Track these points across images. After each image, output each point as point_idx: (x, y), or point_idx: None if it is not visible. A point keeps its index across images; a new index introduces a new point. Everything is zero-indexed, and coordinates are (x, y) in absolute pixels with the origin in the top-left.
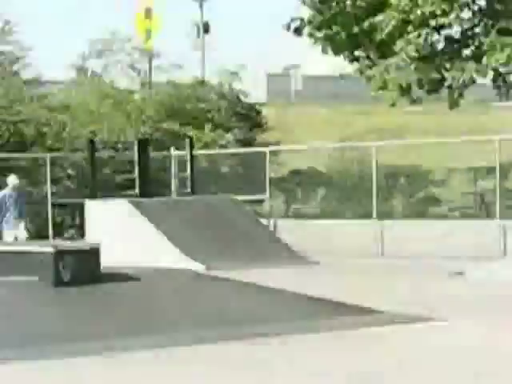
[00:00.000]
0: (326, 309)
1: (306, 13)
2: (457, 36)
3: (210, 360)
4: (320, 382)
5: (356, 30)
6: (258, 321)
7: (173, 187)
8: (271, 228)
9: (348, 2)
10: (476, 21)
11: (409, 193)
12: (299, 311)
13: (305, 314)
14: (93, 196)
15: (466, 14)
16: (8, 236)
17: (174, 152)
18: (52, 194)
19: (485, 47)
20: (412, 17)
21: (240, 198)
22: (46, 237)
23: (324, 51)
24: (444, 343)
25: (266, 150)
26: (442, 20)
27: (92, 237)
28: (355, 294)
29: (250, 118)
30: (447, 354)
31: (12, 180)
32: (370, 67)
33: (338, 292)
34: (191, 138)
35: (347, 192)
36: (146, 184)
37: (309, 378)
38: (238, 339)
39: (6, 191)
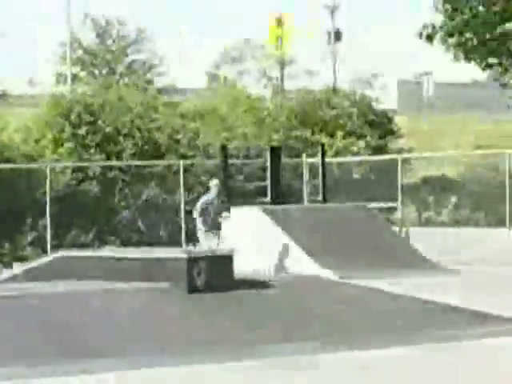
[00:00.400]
0: (467, 318)
1: (438, 19)
2: None
3: (333, 366)
4: None
5: (488, 36)
6: (400, 329)
7: (304, 194)
8: (403, 236)
9: (481, 8)
10: None
11: None
12: (441, 320)
13: (446, 324)
14: None
15: None
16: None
17: (305, 159)
18: (186, 201)
19: None
20: None
21: (371, 205)
22: (180, 243)
23: (456, 58)
24: None
25: (399, 157)
26: None
27: (224, 243)
28: (493, 304)
29: (381, 125)
30: None
31: (215, 183)
32: (504, 74)
33: (477, 301)
34: (323, 145)
35: (479, 200)
36: (277, 191)
37: None
38: (379, 347)
39: (210, 196)
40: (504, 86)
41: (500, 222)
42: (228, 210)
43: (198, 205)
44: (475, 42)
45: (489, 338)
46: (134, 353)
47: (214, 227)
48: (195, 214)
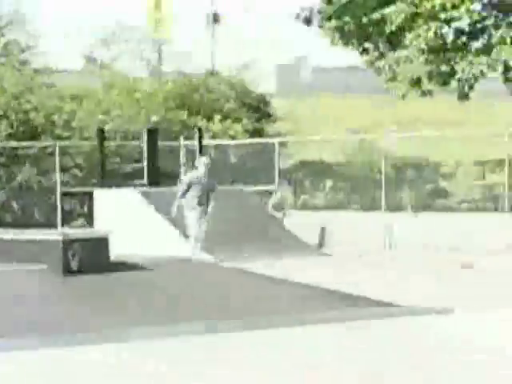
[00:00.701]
0: (337, 300)
1: (316, 3)
2: (467, 29)
3: (207, 349)
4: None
5: (365, 21)
6: (268, 312)
7: (181, 177)
8: (279, 219)
9: None
10: (486, 13)
11: (417, 185)
12: (309, 302)
13: (314, 306)
14: (101, 185)
15: (477, 6)
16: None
17: (182, 142)
18: (61, 182)
19: (495, 40)
20: (422, 10)
21: (249, 188)
22: (55, 225)
23: (333, 42)
24: (447, 335)
25: (275, 140)
26: (451, 13)
27: (100, 226)
28: (365, 286)
29: (259, 109)
30: (446, 347)
31: (203, 160)
32: (380, 59)
33: (349, 283)
34: (200, 128)
35: (356, 183)
36: (154, 173)
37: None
38: (241, 330)
39: (197, 174)
40: (379, 71)
41: (375, 206)
42: (213, 190)
43: (185, 180)
44: (352, 26)
45: (357, 321)
46: None
47: (200, 205)
48: (180, 189)
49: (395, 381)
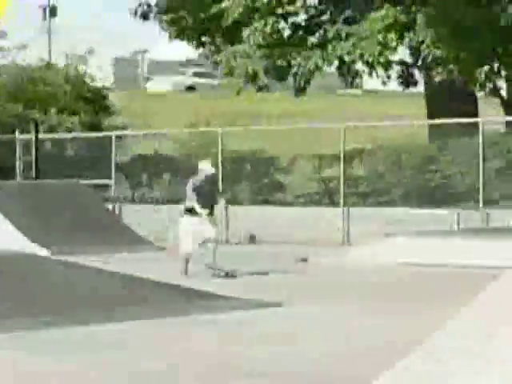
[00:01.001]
0: (167, 293)
1: None
2: (303, 24)
3: (43, 344)
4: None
5: (203, 15)
6: (99, 306)
7: (17, 171)
8: (116, 213)
9: None
10: (322, 8)
11: (254, 179)
12: (141, 296)
13: (147, 299)
14: None
15: (313, 0)
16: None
17: (18, 135)
18: None
19: (331, 35)
20: (259, 4)
21: (85, 182)
22: None
23: (171, 36)
24: (274, 329)
25: (112, 134)
26: (288, 8)
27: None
28: (198, 280)
29: (96, 102)
30: (272, 340)
31: (208, 168)
32: (217, 53)
33: (181, 277)
34: (36, 121)
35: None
36: None
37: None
38: (74, 324)
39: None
40: (216, 64)
41: None
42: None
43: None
44: (190, 20)
45: (202, 314)
46: None
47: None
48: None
49: None
